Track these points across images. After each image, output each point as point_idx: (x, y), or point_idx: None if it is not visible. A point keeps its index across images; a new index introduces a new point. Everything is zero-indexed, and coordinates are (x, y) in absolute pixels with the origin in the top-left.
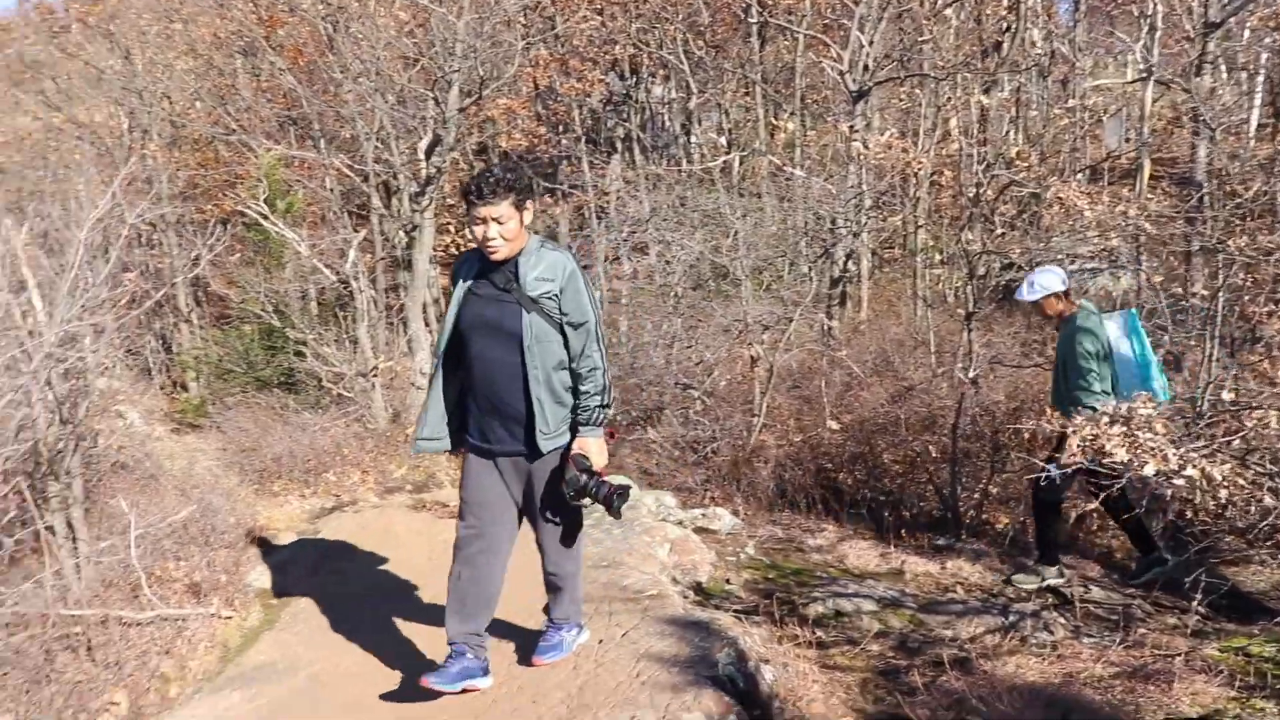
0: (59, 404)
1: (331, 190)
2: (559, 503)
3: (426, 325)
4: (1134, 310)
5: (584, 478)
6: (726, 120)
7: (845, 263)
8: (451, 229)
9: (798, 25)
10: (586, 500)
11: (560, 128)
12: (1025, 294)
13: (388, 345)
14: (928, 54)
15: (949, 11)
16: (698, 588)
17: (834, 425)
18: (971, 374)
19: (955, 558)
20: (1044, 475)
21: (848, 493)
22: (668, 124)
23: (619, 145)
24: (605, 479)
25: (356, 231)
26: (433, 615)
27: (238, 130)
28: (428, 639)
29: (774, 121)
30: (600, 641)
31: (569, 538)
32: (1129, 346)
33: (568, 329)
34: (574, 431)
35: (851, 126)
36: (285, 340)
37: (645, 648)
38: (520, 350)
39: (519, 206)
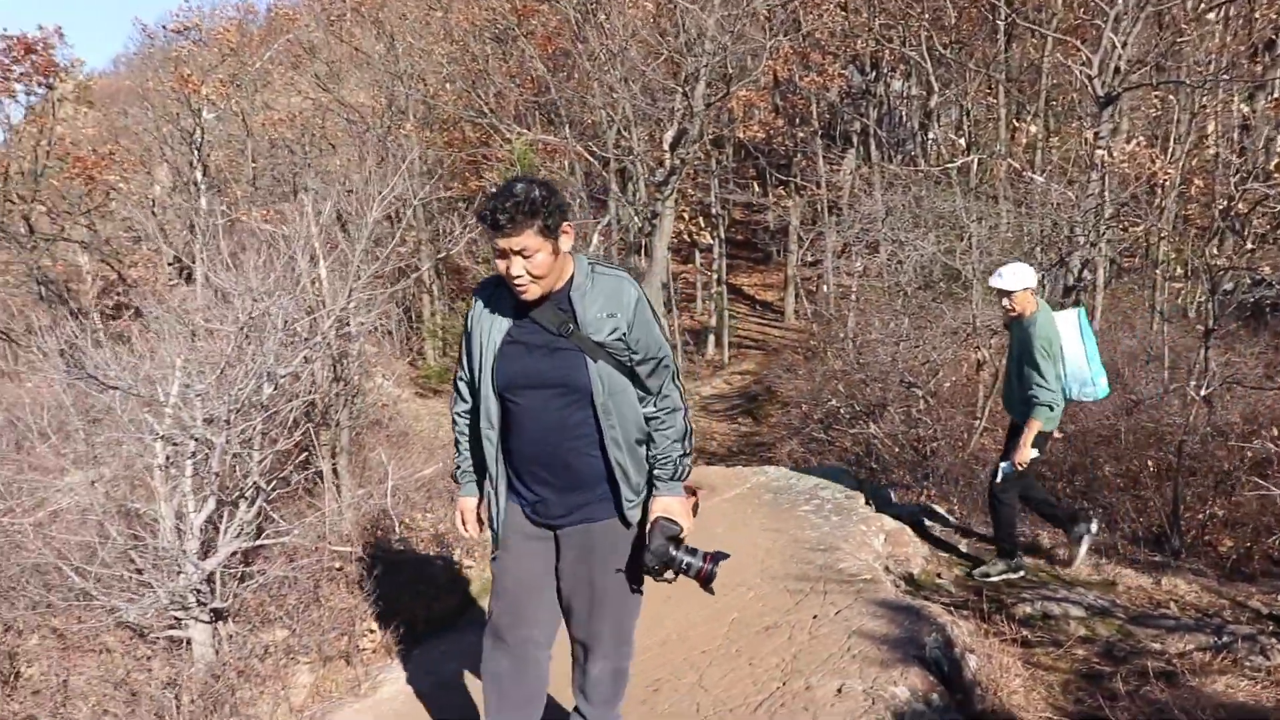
0: (335, 363)
1: (574, 174)
2: (633, 577)
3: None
4: (1082, 308)
5: (672, 549)
6: (966, 120)
7: (1080, 271)
8: (684, 216)
9: (1047, 23)
10: (670, 574)
11: (797, 120)
12: (1005, 281)
13: None
14: (1186, 57)
15: (1213, 14)
16: (909, 578)
17: (1056, 434)
18: (1205, 392)
19: (1171, 575)
20: (1000, 473)
21: (1065, 501)
22: (906, 120)
23: (855, 140)
24: (695, 548)
25: (596, 218)
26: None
27: (487, 114)
28: (649, 602)
29: (1016, 123)
30: (815, 617)
31: (630, 619)
32: (1077, 345)
33: (640, 369)
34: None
35: (1097, 133)
36: None
37: (857, 625)
38: (593, 409)
39: (548, 233)
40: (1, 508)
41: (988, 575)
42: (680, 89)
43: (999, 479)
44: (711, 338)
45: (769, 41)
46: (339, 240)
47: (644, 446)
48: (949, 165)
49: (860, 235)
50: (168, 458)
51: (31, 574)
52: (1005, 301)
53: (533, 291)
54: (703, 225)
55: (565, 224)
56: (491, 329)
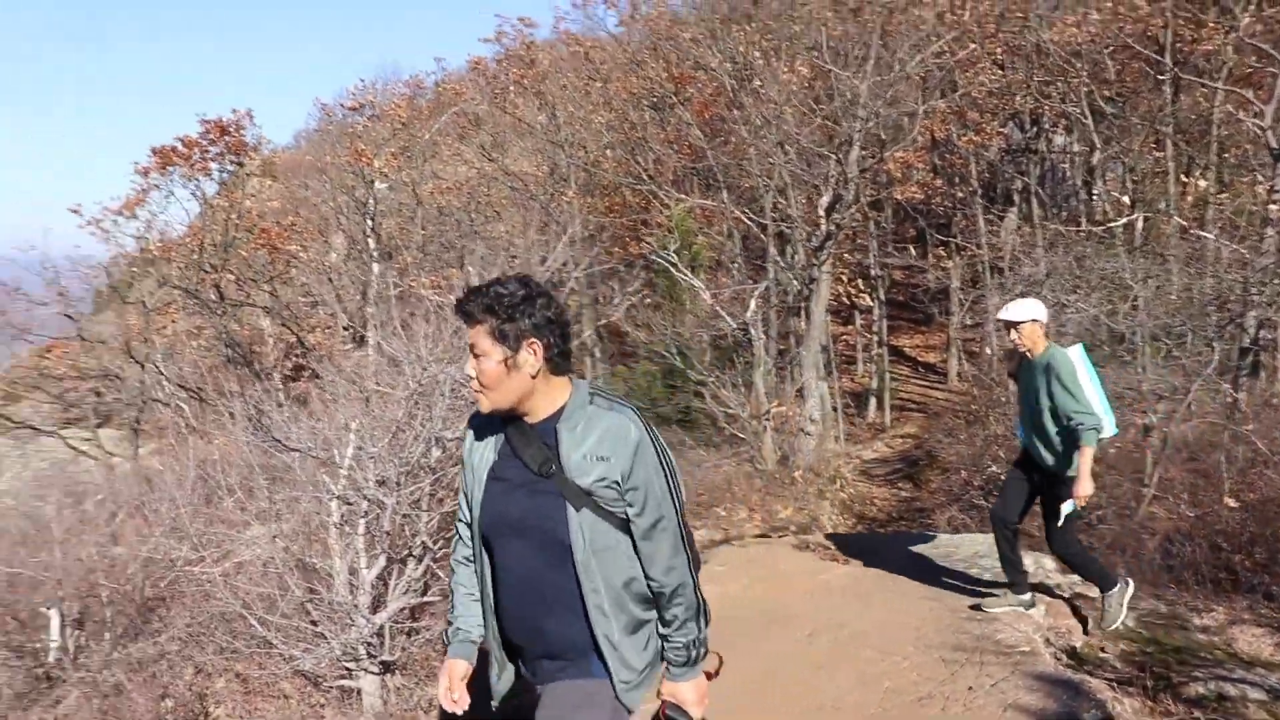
0: None
1: (731, 238)
2: None
3: (818, 373)
4: (1084, 343)
5: None
6: (1130, 176)
7: (1257, 332)
8: (844, 278)
9: (1216, 73)
10: None
11: (956, 180)
12: (1012, 312)
13: (779, 390)
14: None
15: None
16: (1071, 651)
17: (1232, 503)
18: None
19: None
20: (1062, 515)
21: (1244, 575)
22: (1068, 177)
23: (1016, 198)
24: None
25: (754, 279)
26: (808, 646)
27: (646, 180)
28: (803, 668)
29: (1184, 178)
30: (969, 688)
31: None
32: (1086, 382)
33: (635, 527)
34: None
35: (1271, 187)
36: (685, 380)
37: (1013, 699)
38: (572, 566)
39: (501, 339)
40: (193, 558)
41: (1110, 612)
42: (833, 155)
43: (1060, 523)
44: (873, 400)
45: (921, 106)
46: None
47: (648, 614)
48: (1112, 224)
49: (1021, 296)
50: (342, 516)
51: (219, 621)
52: (1012, 335)
53: (483, 402)
54: (861, 287)
55: (533, 339)
56: (480, 461)
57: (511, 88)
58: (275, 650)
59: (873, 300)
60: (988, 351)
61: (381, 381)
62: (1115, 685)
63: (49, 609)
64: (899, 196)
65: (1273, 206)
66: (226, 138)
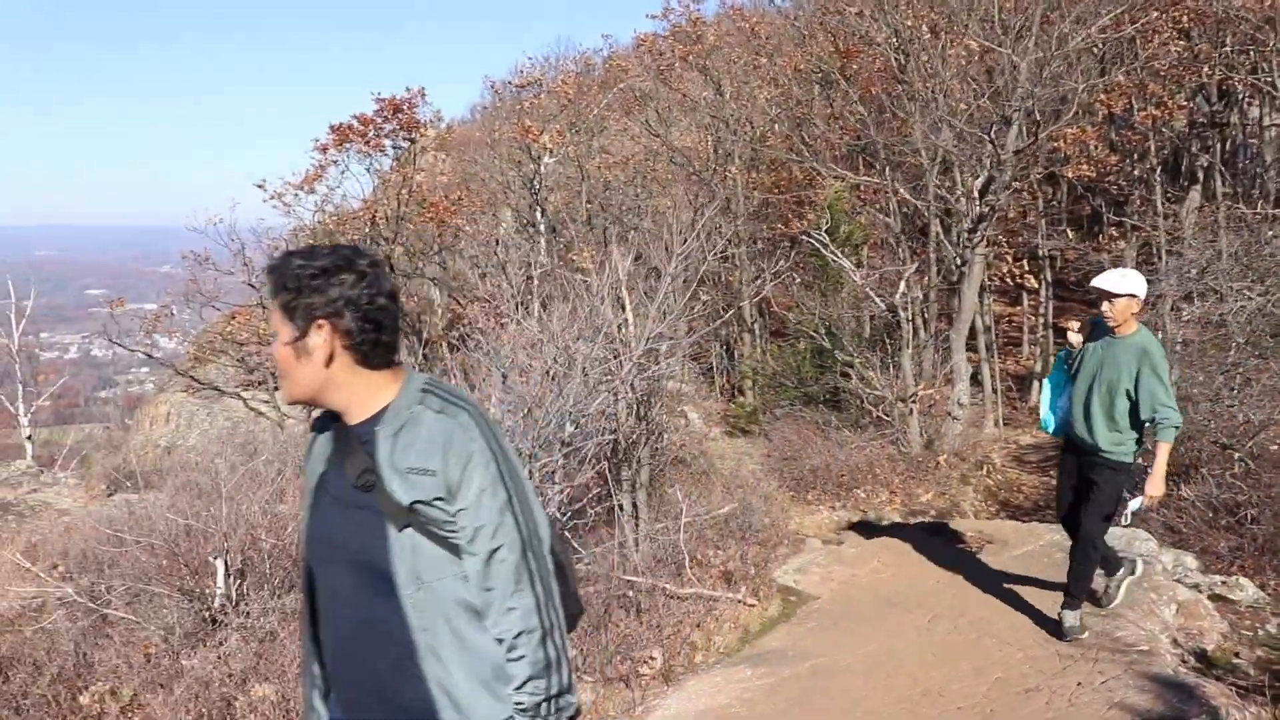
0: (637, 403)
1: (893, 216)
2: None
3: (969, 356)
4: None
5: None
6: None
7: None
8: (1009, 258)
9: None
10: None
11: (1135, 155)
12: (1110, 282)
13: (931, 372)
14: None
15: None
16: (1201, 654)
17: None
18: None
19: None
20: (1127, 514)
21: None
22: (1259, 153)
23: (1200, 175)
24: None
25: (915, 258)
26: (927, 632)
27: (808, 156)
28: (918, 653)
29: None
30: (1079, 684)
31: None
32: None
33: (468, 559)
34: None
35: None
36: (834, 360)
37: (1120, 697)
38: (396, 599)
39: (289, 315)
40: None
41: (1075, 630)
42: (986, 136)
43: (1124, 520)
44: (1035, 384)
45: (1081, 85)
46: (648, 288)
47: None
48: None
49: (1180, 284)
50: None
51: None
52: (1105, 306)
53: (285, 392)
54: (1026, 268)
55: (322, 320)
56: (312, 472)
57: (677, 64)
58: None
59: (1038, 281)
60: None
61: (521, 358)
62: (1240, 691)
63: (215, 559)
64: (1070, 175)
65: None
66: (399, 115)
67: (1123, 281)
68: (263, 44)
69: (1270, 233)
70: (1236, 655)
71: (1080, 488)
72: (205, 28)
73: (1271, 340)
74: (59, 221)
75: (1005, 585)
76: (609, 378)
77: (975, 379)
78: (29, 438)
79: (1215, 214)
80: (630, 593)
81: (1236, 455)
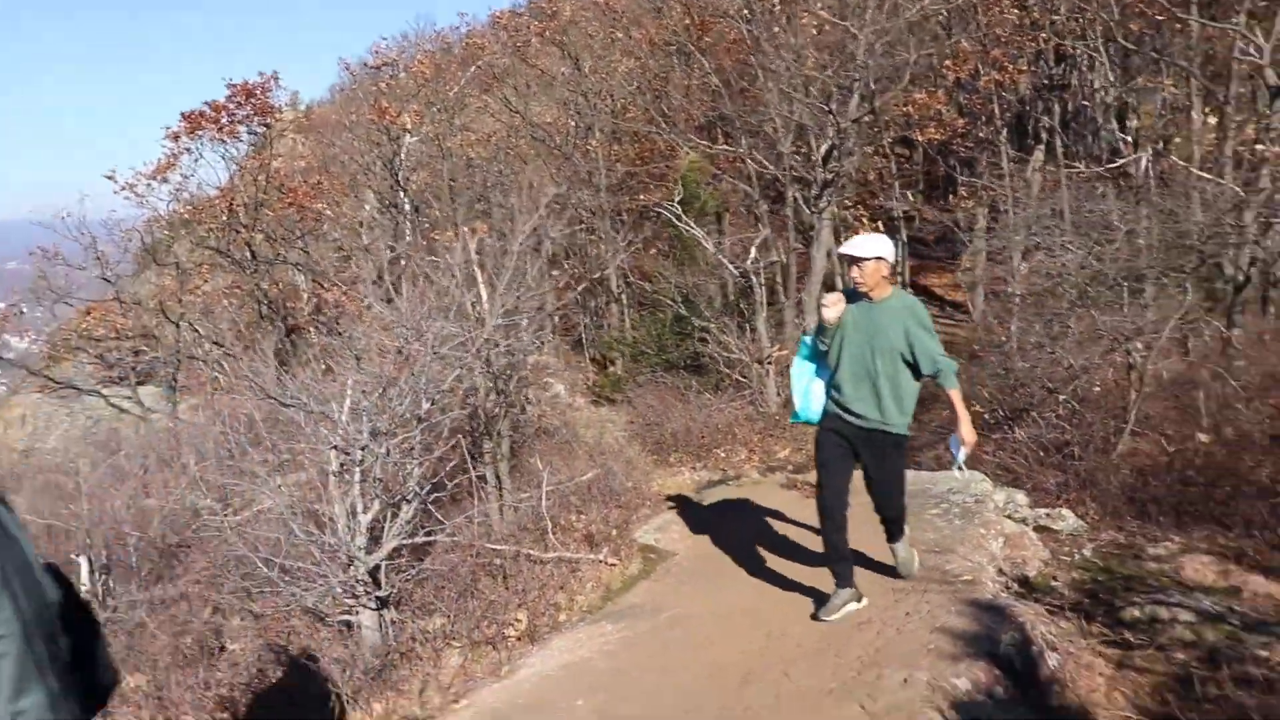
0: (495, 378)
1: (752, 184)
2: None
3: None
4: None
5: None
6: (1148, 113)
7: (1249, 269)
8: (865, 220)
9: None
10: None
11: (982, 119)
12: (856, 246)
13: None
14: None
15: None
16: (1023, 580)
17: (1204, 438)
18: None
19: None
20: (959, 462)
21: (1206, 509)
22: (1091, 115)
23: (1044, 136)
24: None
25: (774, 224)
26: (775, 579)
27: (666, 128)
28: (765, 599)
29: (1199, 116)
30: (907, 614)
31: None
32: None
33: None
34: None
35: (1268, 125)
36: (692, 327)
37: (942, 623)
38: None
39: None
40: (215, 507)
41: (906, 564)
42: (824, 106)
43: (959, 470)
44: None
45: (913, 57)
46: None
47: None
48: (1114, 165)
49: (1028, 237)
50: (341, 465)
51: (235, 565)
52: (854, 272)
53: None
54: (880, 229)
55: None
56: None
57: (534, 40)
58: (282, 590)
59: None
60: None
61: (382, 339)
62: (1056, 610)
63: (78, 556)
64: (921, 138)
65: (1259, 146)
66: (253, 100)
67: (868, 245)
68: (109, 27)
69: (1100, 190)
70: (1054, 579)
71: (867, 470)
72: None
73: (1095, 291)
74: None
75: (850, 528)
76: (461, 354)
77: None
78: None
79: (1056, 173)
80: (496, 560)
81: (1061, 398)
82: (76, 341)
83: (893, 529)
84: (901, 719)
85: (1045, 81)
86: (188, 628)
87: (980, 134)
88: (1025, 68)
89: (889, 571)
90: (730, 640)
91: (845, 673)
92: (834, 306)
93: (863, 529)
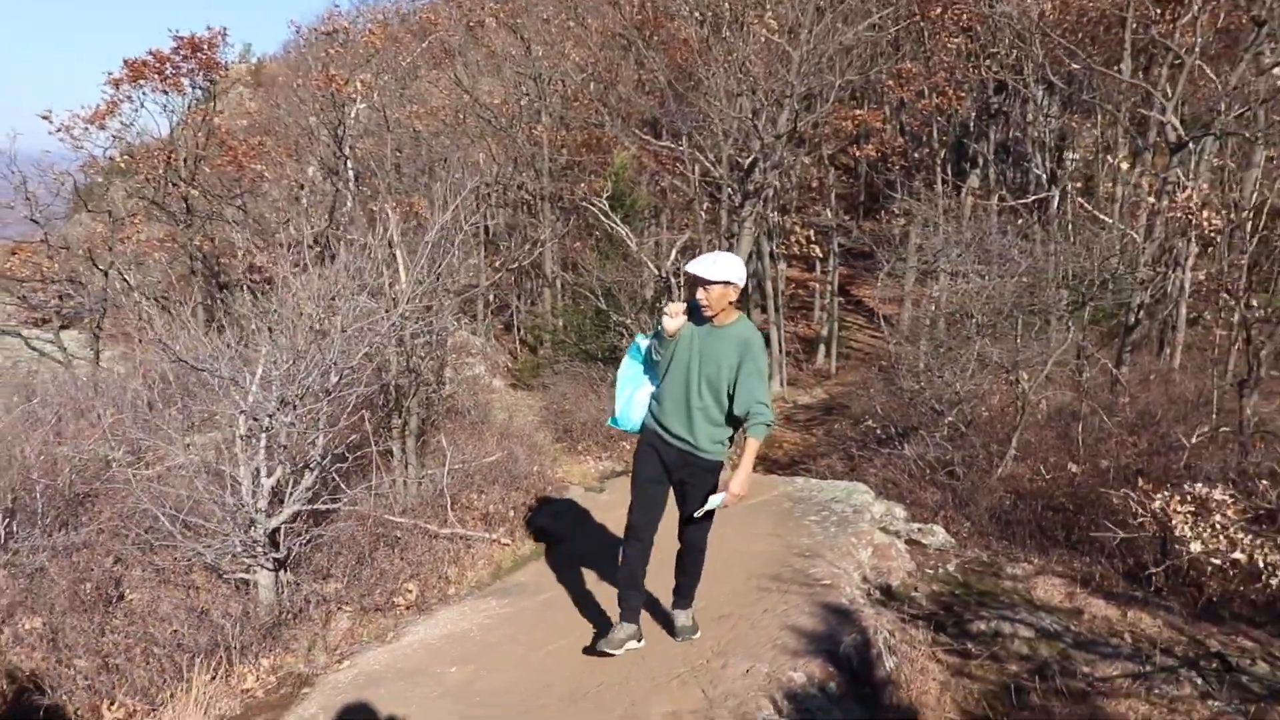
0: (407, 355)
1: (689, 182)
2: None
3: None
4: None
5: None
6: (1042, 153)
7: (1138, 312)
8: (797, 229)
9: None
10: None
11: (917, 142)
12: (704, 268)
13: None
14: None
15: None
16: (886, 589)
17: (1074, 468)
18: (1243, 438)
19: (1140, 609)
20: (709, 506)
21: (1068, 534)
22: (1026, 149)
23: (982, 161)
24: None
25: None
26: (654, 568)
27: (610, 120)
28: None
29: (1113, 160)
30: (765, 611)
31: None
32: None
33: None
34: None
35: (1163, 178)
36: (613, 321)
37: (793, 621)
38: None
39: None
40: (126, 460)
41: (686, 624)
42: (749, 120)
43: (702, 514)
44: (822, 347)
45: (838, 79)
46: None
47: None
48: (1027, 200)
49: (934, 262)
50: (249, 430)
51: (140, 517)
52: (700, 294)
53: None
54: (813, 238)
55: None
56: None
57: (488, 20)
58: (184, 545)
59: (823, 251)
60: (903, 314)
61: (307, 309)
62: (908, 618)
63: None
64: (858, 154)
65: (1151, 199)
66: (199, 55)
67: (715, 268)
68: None
69: (1020, 220)
70: (915, 590)
71: (679, 491)
72: None
73: (990, 319)
74: None
75: (732, 529)
76: (371, 332)
77: (766, 340)
78: None
79: (987, 200)
80: (396, 532)
81: (948, 419)
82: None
83: (685, 583)
84: (736, 705)
85: (984, 109)
86: (88, 575)
87: (917, 154)
88: (965, 94)
89: (755, 567)
90: (599, 623)
91: (695, 660)
92: (675, 319)
93: (751, 530)
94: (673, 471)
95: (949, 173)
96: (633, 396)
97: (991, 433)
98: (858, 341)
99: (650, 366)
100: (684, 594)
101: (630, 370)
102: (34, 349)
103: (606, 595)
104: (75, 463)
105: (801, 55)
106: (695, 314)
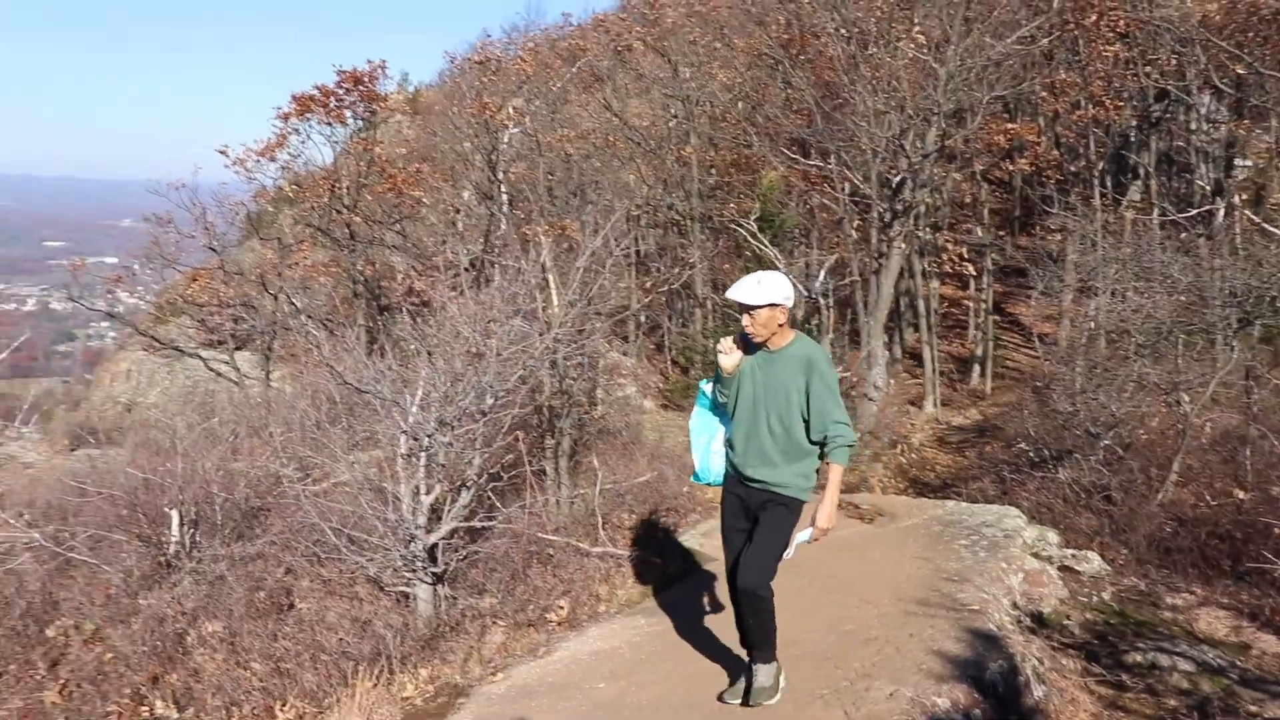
0: (560, 378)
1: (841, 203)
2: None
3: (887, 343)
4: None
5: None
6: (1246, 156)
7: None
8: (949, 246)
9: None
10: None
11: (1074, 154)
12: (746, 292)
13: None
14: None
15: None
16: (1037, 616)
17: (1240, 494)
18: None
19: None
20: (792, 547)
21: (1234, 565)
22: (1190, 159)
23: (1141, 174)
24: None
25: (853, 245)
26: (800, 591)
27: (758, 141)
28: (785, 608)
29: None
30: (911, 635)
31: None
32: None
33: None
34: None
35: None
36: None
37: (938, 646)
38: None
39: None
40: (296, 476)
41: (764, 686)
42: (894, 141)
43: (771, 552)
44: (976, 367)
45: (985, 96)
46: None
47: None
48: (1190, 213)
49: (1084, 281)
50: (409, 449)
51: (309, 531)
52: (745, 321)
53: None
54: (965, 255)
55: None
56: None
57: (635, 44)
58: (348, 558)
59: (976, 269)
60: (1061, 331)
61: (465, 331)
62: (1059, 646)
63: (171, 510)
64: (1011, 168)
65: None
66: (360, 87)
67: (759, 290)
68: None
69: (1184, 235)
70: (1068, 618)
71: (752, 524)
72: None
73: (1151, 339)
74: (16, 171)
75: (881, 553)
76: (525, 355)
77: (918, 360)
78: None
79: (1148, 214)
80: (549, 550)
81: (1104, 443)
82: (181, 305)
83: (754, 635)
84: None
85: (1144, 118)
86: (262, 584)
87: (1073, 168)
88: (1119, 103)
89: (903, 590)
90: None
91: (839, 681)
92: (730, 355)
93: (902, 552)
94: (750, 510)
95: (1107, 186)
96: (709, 446)
97: (1151, 457)
98: (1014, 361)
99: (720, 410)
100: (756, 647)
101: (701, 420)
102: (211, 369)
103: (730, 631)
104: (250, 478)
105: (949, 71)
106: (749, 344)
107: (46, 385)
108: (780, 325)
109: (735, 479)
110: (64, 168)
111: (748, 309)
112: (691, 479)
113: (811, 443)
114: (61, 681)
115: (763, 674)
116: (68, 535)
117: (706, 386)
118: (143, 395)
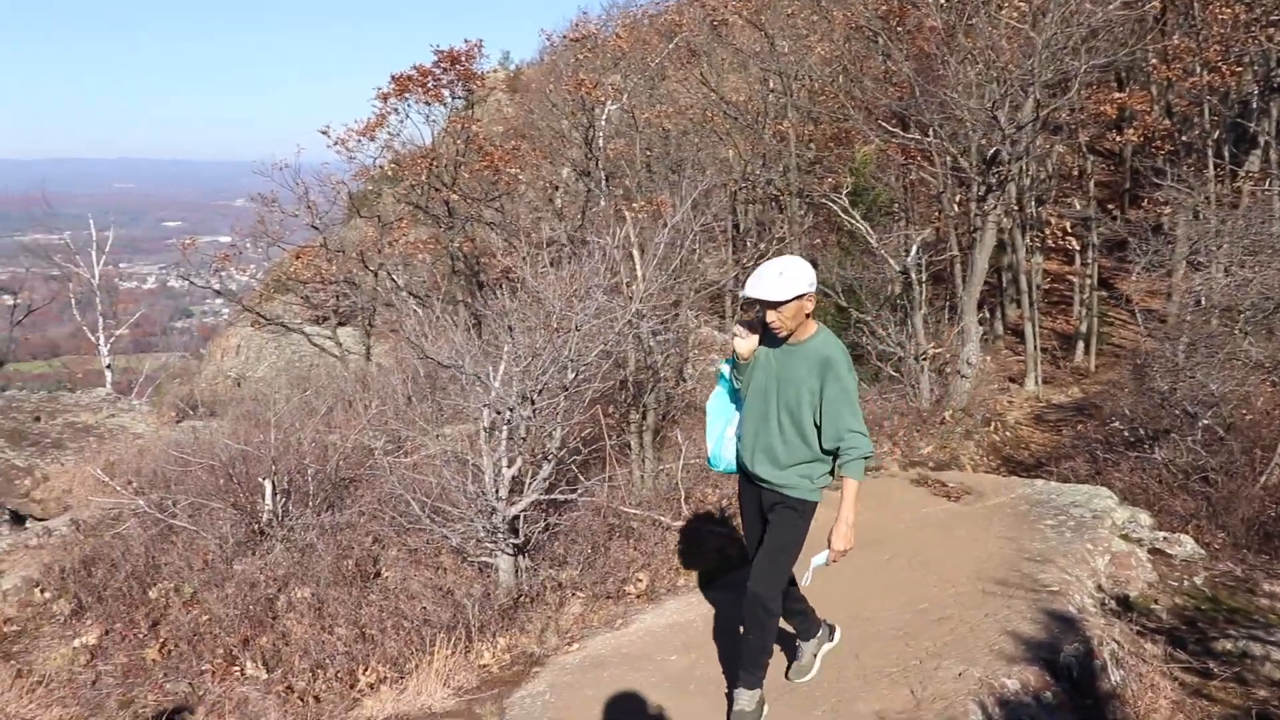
0: (645, 353)
1: (940, 176)
2: None
3: (980, 318)
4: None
5: None
6: None
7: None
8: (1052, 220)
9: None
10: None
11: (1187, 123)
12: (767, 288)
13: (941, 332)
14: None
15: None
16: (1123, 599)
17: None
18: None
19: None
20: (810, 571)
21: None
22: None
23: (1261, 143)
24: None
25: (951, 220)
26: (881, 568)
27: (853, 115)
28: (865, 585)
29: None
30: (986, 615)
31: None
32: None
33: None
34: None
35: None
36: (854, 319)
37: (1013, 627)
38: None
39: None
40: (388, 449)
41: (803, 662)
42: (988, 112)
43: (805, 581)
44: (1081, 344)
45: (1083, 65)
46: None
47: None
48: None
49: (1192, 255)
50: (491, 423)
51: (396, 502)
52: (770, 317)
53: None
54: (1069, 230)
55: None
56: None
57: (732, 19)
58: (433, 528)
59: (1080, 244)
60: (1168, 307)
61: (553, 303)
62: (1143, 631)
63: (264, 480)
64: (1118, 139)
65: None
66: (458, 66)
67: (781, 283)
68: None
69: None
70: (1155, 602)
71: (764, 527)
72: None
73: (1261, 316)
74: (137, 155)
75: (965, 531)
76: (607, 329)
77: (1020, 337)
78: (108, 366)
79: (1261, 185)
80: (632, 524)
81: (1202, 423)
82: (286, 282)
83: (745, 652)
84: (944, 707)
85: (1266, 84)
86: (350, 552)
87: (1185, 138)
88: (1237, 68)
89: (983, 569)
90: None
91: (909, 660)
92: (746, 339)
93: (987, 531)
94: (765, 511)
95: (1224, 156)
96: (723, 433)
97: (1255, 438)
98: (1120, 338)
99: (735, 396)
100: (743, 667)
101: (719, 403)
102: (315, 345)
103: (829, 588)
104: (343, 450)
105: (1045, 40)
106: (768, 331)
107: (163, 360)
108: (807, 316)
109: (743, 471)
110: (180, 151)
111: (772, 305)
112: (707, 464)
113: (824, 451)
114: (161, 640)
115: (744, 698)
116: (170, 503)
117: (725, 368)
118: (251, 369)
